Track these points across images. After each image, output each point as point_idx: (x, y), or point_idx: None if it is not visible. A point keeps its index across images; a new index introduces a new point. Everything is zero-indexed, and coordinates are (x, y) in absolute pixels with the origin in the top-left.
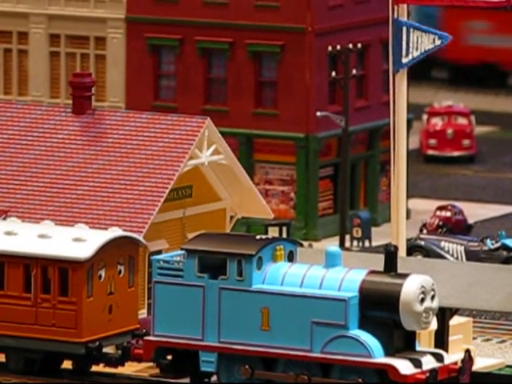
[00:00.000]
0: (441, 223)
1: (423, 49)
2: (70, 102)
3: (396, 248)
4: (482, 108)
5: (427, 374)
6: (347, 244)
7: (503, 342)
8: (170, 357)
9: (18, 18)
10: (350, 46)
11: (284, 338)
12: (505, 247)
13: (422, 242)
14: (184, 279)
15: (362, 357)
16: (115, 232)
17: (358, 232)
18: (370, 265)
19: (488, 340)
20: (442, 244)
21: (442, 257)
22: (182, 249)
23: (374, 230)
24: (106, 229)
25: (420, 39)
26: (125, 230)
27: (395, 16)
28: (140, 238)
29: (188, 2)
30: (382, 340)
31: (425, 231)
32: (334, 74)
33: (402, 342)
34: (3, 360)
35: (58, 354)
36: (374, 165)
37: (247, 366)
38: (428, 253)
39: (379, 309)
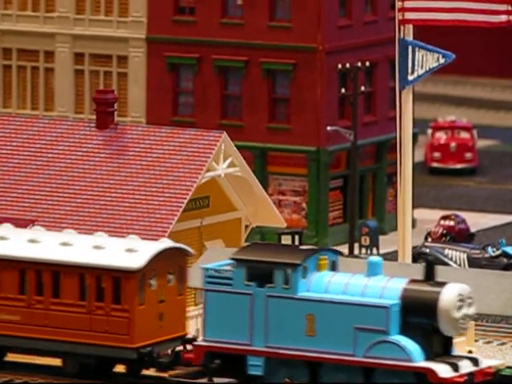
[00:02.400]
0: (444, 232)
1: (428, 67)
2: (94, 117)
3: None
4: (483, 123)
5: (465, 378)
6: (356, 252)
7: (503, 344)
8: (218, 361)
9: (45, 37)
10: (359, 64)
11: (328, 343)
12: (505, 254)
13: (427, 250)
14: (233, 287)
15: (402, 361)
16: (165, 243)
17: (366, 240)
18: (401, 274)
19: (489, 342)
20: (446, 251)
21: (446, 264)
22: (231, 258)
23: (381, 238)
24: (123, 236)
25: (425, 58)
26: (145, 239)
27: (401, 36)
28: (189, 248)
29: (205, 22)
30: (422, 345)
31: (429, 239)
32: (343, 90)
33: (440, 346)
34: (60, 364)
35: (111, 359)
36: (381, 176)
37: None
38: (432, 260)
39: (419, 315)
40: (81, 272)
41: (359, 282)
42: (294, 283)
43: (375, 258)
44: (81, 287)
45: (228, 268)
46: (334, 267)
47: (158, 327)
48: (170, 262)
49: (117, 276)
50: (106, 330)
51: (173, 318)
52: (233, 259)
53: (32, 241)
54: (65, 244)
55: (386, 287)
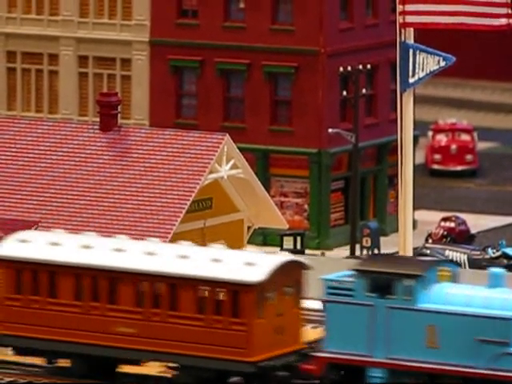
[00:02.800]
0: (445, 233)
1: (428, 70)
2: (98, 119)
3: None
4: (483, 125)
5: None
6: (357, 253)
7: None
8: (336, 372)
9: (49, 40)
10: (360, 66)
11: (450, 355)
12: (505, 256)
13: (428, 251)
14: (354, 298)
15: None
16: (284, 256)
17: (367, 241)
18: None
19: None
20: (447, 253)
21: None
22: (353, 269)
23: (382, 239)
24: (131, 238)
25: (425, 60)
26: (149, 240)
27: (402, 39)
28: (306, 261)
29: (208, 26)
30: None
31: (430, 241)
32: (344, 93)
33: None
34: (174, 377)
35: (229, 373)
36: (382, 178)
37: None
38: None
39: None
40: (198, 285)
41: (481, 294)
42: (415, 294)
43: (498, 270)
44: (198, 300)
45: (349, 279)
46: (454, 279)
47: (276, 341)
48: (288, 275)
49: (236, 289)
50: (225, 344)
51: (290, 332)
52: (355, 270)
53: (149, 253)
54: (182, 257)
55: (509, 299)
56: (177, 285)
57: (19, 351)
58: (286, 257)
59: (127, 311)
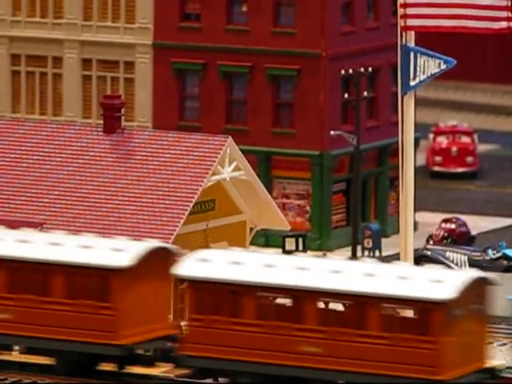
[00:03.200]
0: (446, 234)
1: (429, 72)
2: (101, 121)
3: None
4: (484, 127)
5: None
6: (359, 254)
7: (504, 345)
8: None
9: (53, 43)
10: (362, 69)
11: None
12: (505, 257)
13: (429, 252)
14: None
15: None
16: (470, 273)
17: (368, 243)
18: None
19: (490, 343)
20: (447, 254)
21: (447, 266)
22: None
23: (383, 240)
24: (135, 239)
25: (426, 63)
26: (152, 241)
27: (403, 42)
28: (493, 279)
29: (211, 29)
30: None
31: (431, 242)
32: (346, 95)
33: None
34: None
35: None
36: (383, 180)
37: None
38: (434, 262)
39: None
40: (386, 303)
41: None
42: None
43: None
44: (385, 319)
45: None
46: None
47: (464, 358)
48: (475, 292)
49: (425, 307)
50: (413, 362)
51: (477, 349)
52: None
53: (334, 271)
54: (368, 274)
55: None
56: (363, 303)
57: (201, 372)
58: (472, 273)
59: (312, 330)
